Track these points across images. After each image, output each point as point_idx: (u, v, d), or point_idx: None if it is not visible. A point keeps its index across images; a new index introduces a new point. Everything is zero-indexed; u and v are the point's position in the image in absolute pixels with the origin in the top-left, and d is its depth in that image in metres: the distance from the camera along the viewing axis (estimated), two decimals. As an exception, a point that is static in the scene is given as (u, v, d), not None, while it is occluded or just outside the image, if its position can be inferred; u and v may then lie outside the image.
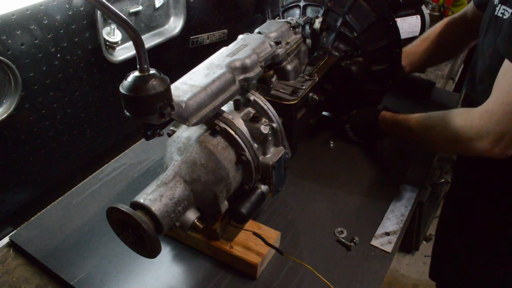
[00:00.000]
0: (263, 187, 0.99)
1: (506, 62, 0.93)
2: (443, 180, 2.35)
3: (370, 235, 1.10)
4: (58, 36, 1.08)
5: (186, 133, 0.94)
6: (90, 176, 1.29)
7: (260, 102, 1.00)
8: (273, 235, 1.03)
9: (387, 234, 1.11)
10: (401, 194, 1.24)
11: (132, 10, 1.28)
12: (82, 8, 1.12)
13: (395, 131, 1.27)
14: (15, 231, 1.11)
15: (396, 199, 1.22)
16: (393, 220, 1.15)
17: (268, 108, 1.00)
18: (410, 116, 1.21)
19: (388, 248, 1.07)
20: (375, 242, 1.08)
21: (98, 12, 1.14)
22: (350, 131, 1.38)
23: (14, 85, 1.00)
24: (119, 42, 1.24)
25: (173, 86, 0.87)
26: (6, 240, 1.09)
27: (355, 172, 1.32)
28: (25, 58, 1.02)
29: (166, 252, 1.05)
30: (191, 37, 1.55)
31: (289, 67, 1.12)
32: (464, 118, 1.01)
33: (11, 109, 1.01)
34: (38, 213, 1.16)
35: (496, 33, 1.03)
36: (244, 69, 0.97)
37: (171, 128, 1.00)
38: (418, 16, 1.97)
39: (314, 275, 0.97)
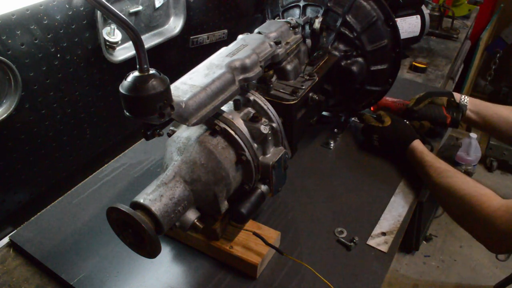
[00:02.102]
0: (263, 187, 0.99)
1: None
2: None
3: (369, 235, 1.10)
4: (58, 36, 1.08)
5: (186, 133, 0.94)
6: (90, 176, 1.29)
7: (260, 102, 1.00)
8: (273, 235, 1.03)
9: (384, 234, 1.11)
10: (400, 194, 1.24)
11: (132, 10, 1.28)
12: (82, 8, 1.12)
13: (417, 167, 1.25)
14: (15, 231, 1.11)
15: (394, 199, 1.22)
16: (390, 220, 1.15)
17: (268, 108, 1.01)
18: (436, 164, 1.18)
19: (384, 248, 1.07)
20: (371, 242, 1.08)
21: (98, 12, 1.14)
22: (376, 140, 1.35)
23: (14, 85, 1.01)
24: (119, 42, 1.24)
25: (173, 86, 0.87)
26: (6, 240, 1.09)
27: (355, 172, 1.32)
28: (25, 58, 1.02)
29: (166, 252, 1.05)
30: (191, 37, 1.55)
31: (289, 67, 1.12)
32: (498, 207, 0.99)
33: (11, 109, 1.01)
34: (38, 213, 1.16)
35: None
36: (244, 69, 0.97)
37: (171, 128, 1.00)
38: (418, 16, 1.98)
39: (314, 275, 0.97)
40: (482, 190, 1.06)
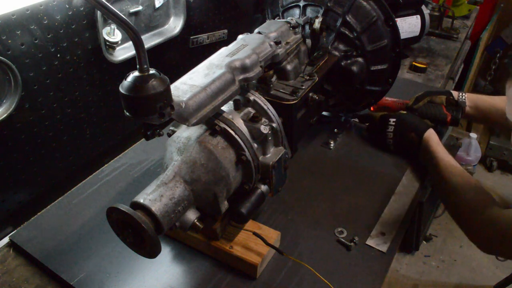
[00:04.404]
0: (263, 187, 0.99)
1: None
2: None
3: (369, 235, 1.10)
4: (58, 36, 1.08)
5: (186, 133, 0.94)
6: (90, 176, 1.29)
7: (260, 102, 1.00)
8: (273, 235, 1.03)
9: (383, 234, 1.11)
10: (400, 194, 1.24)
11: (132, 10, 1.28)
12: (82, 8, 1.12)
13: (426, 156, 1.25)
14: (15, 231, 1.11)
15: (394, 199, 1.22)
16: (390, 220, 1.15)
17: (268, 108, 1.01)
18: (446, 159, 1.18)
19: (383, 248, 1.07)
20: (370, 242, 1.08)
21: (98, 12, 1.14)
22: (392, 125, 1.34)
23: (14, 85, 1.01)
24: (119, 42, 1.24)
25: (173, 86, 0.87)
26: (6, 240, 1.09)
27: (355, 172, 1.32)
28: (25, 58, 1.02)
29: (166, 252, 1.05)
30: (191, 37, 1.55)
31: (289, 67, 1.12)
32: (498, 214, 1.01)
33: (11, 109, 1.01)
34: (38, 213, 1.16)
35: None
36: (244, 69, 0.97)
37: (171, 128, 1.00)
38: (418, 16, 1.98)
39: (314, 275, 0.97)
40: (484, 196, 1.07)
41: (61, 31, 1.09)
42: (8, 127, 1.04)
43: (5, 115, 1.00)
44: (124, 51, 1.28)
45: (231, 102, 0.98)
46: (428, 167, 1.28)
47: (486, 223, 1.01)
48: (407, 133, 1.32)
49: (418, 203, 1.23)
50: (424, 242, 2.58)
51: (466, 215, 1.08)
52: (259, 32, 1.12)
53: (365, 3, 1.26)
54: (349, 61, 1.30)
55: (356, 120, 1.52)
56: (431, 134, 1.28)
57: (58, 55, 1.10)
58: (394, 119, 1.34)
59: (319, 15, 1.26)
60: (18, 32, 0.99)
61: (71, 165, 1.27)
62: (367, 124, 1.46)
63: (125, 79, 0.75)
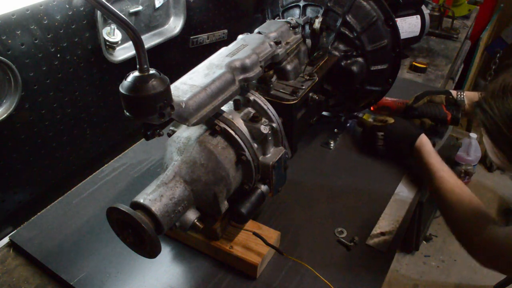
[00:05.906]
0: (263, 187, 0.99)
1: None
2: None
3: (369, 235, 1.10)
4: (58, 36, 1.08)
5: (186, 133, 0.94)
6: (90, 176, 1.29)
7: (260, 102, 1.00)
8: (273, 235, 1.03)
9: (383, 234, 1.11)
10: (400, 194, 1.24)
11: (132, 10, 1.28)
12: (82, 8, 1.12)
13: (421, 167, 1.22)
14: (15, 231, 1.11)
15: (394, 199, 1.22)
16: (389, 220, 1.15)
17: (268, 108, 1.01)
18: (439, 173, 1.14)
19: (383, 248, 1.07)
20: (370, 242, 1.08)
21: (98, 12, 1.14)
22: (381, 139, 1.33)
23: (14, 85, 1.01)
24: (119, 42, 1.24)
25: (173, 86, 0.87)
26: (6, 240, 1.09)
27: (355, 172, 1.32)
28: (25, 58, 1.02)
29: (166, 252, 1.05)
30: (191, 37, 1.55)
31: (289, 67, 1.12)
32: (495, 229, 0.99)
33: (11, 109, 1.01)
34: (38, 213, 1.16)
35: None
36: (244, 69, 0.97)
37: (171, 128, 1.00)
38: (418, 16, 1.98)
39: (314, 275, 0.97)
40: (480, 213, 1.05)
41: (61, 31, 1.09)
42: (8, 127, 1.04)
43: (5, 115, 1.00)
44: (124, 51, 1.28)
45: (231, 102, 0.98)
46: (423, 177, 1.25)
47: (483, 243, 0.99)
48: (397, 144, 1.30)
49: (418, 203, 1.23)
50: (424, 242, 2.58)
51: (463, 233, 1.06)
52: (259, 32, 1.12)
53: (365, 3, 1.26)
54: (349, 61, 1.30)
55: (355, 120, 1.52)
56: (421, 142, 1.24)
57: (58, 55, 1.10)
58: (382, 133, 1.32)
59: (319, 15, 1.26)
60: (18, 32, 0.99)
61: (71, 165, 1.26)
62: (361, 129, 1.44)
63: (125, 79, 0.75)
